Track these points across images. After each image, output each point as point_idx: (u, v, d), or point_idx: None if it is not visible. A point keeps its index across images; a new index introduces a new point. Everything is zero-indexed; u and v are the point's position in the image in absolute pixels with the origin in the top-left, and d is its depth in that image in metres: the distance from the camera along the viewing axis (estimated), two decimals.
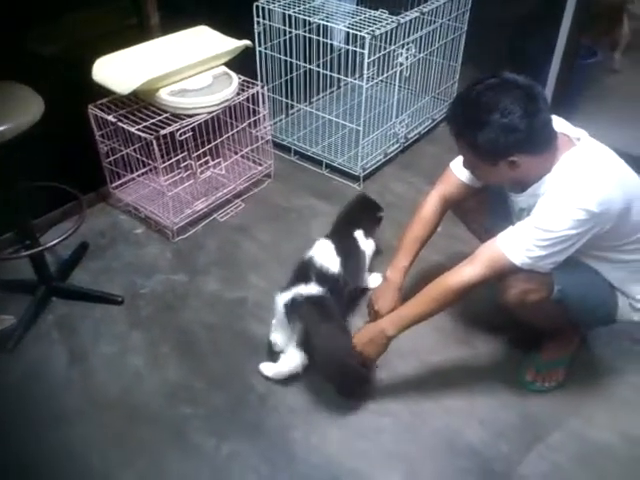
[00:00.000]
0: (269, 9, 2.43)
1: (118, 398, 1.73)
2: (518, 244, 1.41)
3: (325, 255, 1.84)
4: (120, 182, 2.35)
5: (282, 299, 1.72)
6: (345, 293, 1.83)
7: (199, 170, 2.21)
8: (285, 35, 2.49)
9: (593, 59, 2.88)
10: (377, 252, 2.09)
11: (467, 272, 1.46)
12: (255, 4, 2.44)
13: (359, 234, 1.98)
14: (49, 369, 1.81)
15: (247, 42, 2.31)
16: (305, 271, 1.80)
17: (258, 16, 2.45)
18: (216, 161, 2.28)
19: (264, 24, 2.46)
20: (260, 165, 2.52)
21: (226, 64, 2.34)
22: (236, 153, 2.45)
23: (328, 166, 2.61)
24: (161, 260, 2.17)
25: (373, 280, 2.03)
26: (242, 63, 2.40)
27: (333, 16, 2.42)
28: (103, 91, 2.11)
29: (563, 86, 2.64)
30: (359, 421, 1.67)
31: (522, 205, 1.54)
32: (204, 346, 1.87)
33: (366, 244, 1.99)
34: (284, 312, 1.70)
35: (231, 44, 2.30)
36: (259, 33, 2.48)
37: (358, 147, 2.48)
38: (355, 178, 2.53)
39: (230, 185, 2.40)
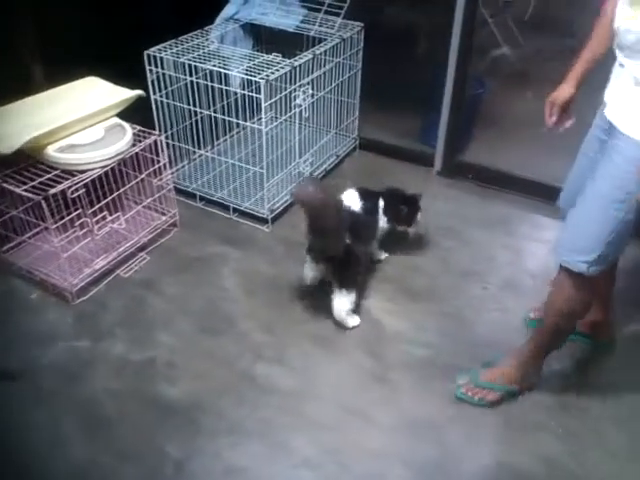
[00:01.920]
0: (161, 57, 2.39)
1: None
2: None
3: (349, 197, 2.11)
4: (11, 245, 2.20)
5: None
6: (365, 233, 2.09)
7: (96, 226, 2.10)
8: (179, 82, 2.45)
9: (481, 90, 3.03)
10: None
11: None
12: (146, 52, 2.39)
13: (381, 204, 2.20)
14: None
15: (139, 92, 2.26)
16: None
17: (150, 64, 2.40)
18: (115, 215, 2.18)
19: (157, 72, 2.41)
20: (164, 214, 2.44)
21: (120, 114, 2.27)
22: (137, 204, 2.36)
23: (236, 210, 2.57)
24: (61, 326, 2.04)
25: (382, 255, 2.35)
26: (137, 112, 2.33)
27: (229, 61, 2.41)
28: None
29: (456, 116, 2.75)
30: (279, 477, 1.61)
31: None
32: (112, 416, 1.76)
33: (382, 216, 2.21)
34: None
35: (123, 94, 2.24)
36: (152, 81, 2.43)
37: (263, 189, 2.46)
38: (264, 220, 2.51)
39: (133, 238, 2.31)
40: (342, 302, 1.98)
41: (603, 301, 1.89)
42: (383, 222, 2.22)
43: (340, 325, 2.04)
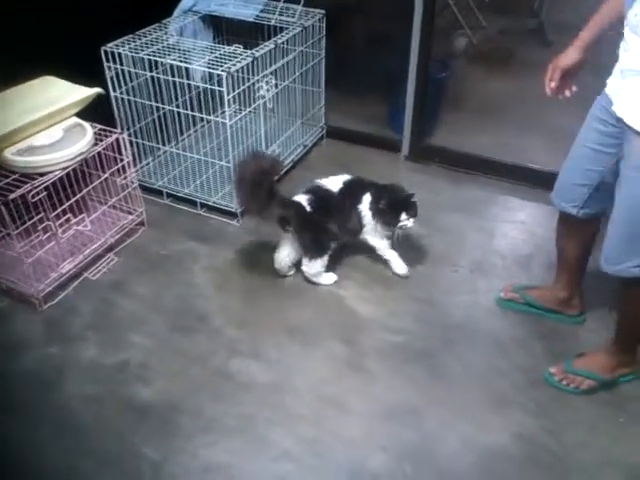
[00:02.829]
0: (119, 53, 2.33)
1: None
2: None
3: (334, 179, 2.15)
4: None
5: None
6: (335, 214, 2.10)
7: (60, 230, 2.06)
8: (139, 78, 2.40)
9: (445, 73, 3.03)
10: None
11: None
12: (103, 49, 2.33)
13: (367, 198, 2.11)
14: None
15: (98, 90, 2.20)
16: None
17: (108, 61, 2.34)
18: (79, 217, 2.13)
19: (116, 68, 2.36)
20: (130, 213, 2.40)
21: (80, 114, 2.22)
22: (102, 204, 2.32)
23: (204, 205, 2.54)
24: (30, 333, 1.99)
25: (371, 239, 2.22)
26: (98, 111, 2.28)
27: (189, 54, 2.37)
28: None
29: (422, 100, 2.75)
30: (260, 472, 1.60)
31: None
32: (87, 421, 1.73)
33: (366, 209, 2.11)
34: None
35: (81, 93, 2.18)
36: (111, 78, 2.37)
37: (231, 184, 2.43)
38: (233, 215, 2.48)
39: (99, 239, 2.26)
40: (308, 267, 2.15)
41: (574, 279, 1.92)
42: (367, 216, 2.12)
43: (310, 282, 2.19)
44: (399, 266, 2.20)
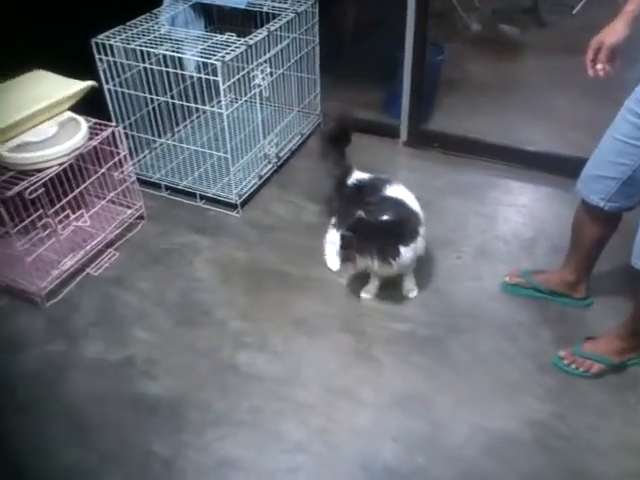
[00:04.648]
0: (110, 44, 2.29)
1: None
2: None
3: (395, 185, 2.05)
4: None
5: None
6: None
7: (60, 226, 2.03)
8: (132, 69, 2.36)
9: (441, 57, 3.00)
10: None
11: None
12: (94, 41, 2.29)
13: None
14: None
15: (91, 82, 2.16)
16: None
17: (99, 53, 2.30)
18: (78, 213, 2.11)
19: (107, 61, 2.31)
20: (129, 208, 2.37)
21: (73, 108, 2.18)
22: (100, 199, 2.28)
23: (203, 197, 2.51)
24: (33, 331, 1.97)
25: None
26: (91, 104, 2.24)
27: (182, 44, 2.32)
28: None
29: (418, 85, 2.72)
30: (272, 464, 1.60)
31: None
32: (94, 419, 1.72)
33: None
34: None
35: (74, 86, 2.14)
36: (104, 70, 2.33)
37: (230, 174, 2.40)
38: (232, 206, 2.46)
39: (99, 235, 2.24)
40: (329, 233, 2.21)
41: (586, 264, 1.90)
42: None
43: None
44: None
